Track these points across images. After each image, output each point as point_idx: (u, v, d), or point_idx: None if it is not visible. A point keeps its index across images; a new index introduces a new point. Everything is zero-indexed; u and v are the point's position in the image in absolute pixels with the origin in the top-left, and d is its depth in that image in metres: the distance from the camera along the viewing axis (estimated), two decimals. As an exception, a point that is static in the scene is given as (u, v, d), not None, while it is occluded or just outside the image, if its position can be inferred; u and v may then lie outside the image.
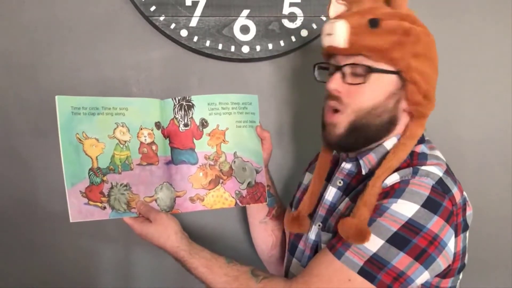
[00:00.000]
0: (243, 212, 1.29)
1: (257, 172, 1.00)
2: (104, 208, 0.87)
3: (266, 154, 1.03)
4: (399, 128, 0.88)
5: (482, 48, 1.30)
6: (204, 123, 0.96)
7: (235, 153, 0.98)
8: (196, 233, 1.24)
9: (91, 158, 0.86)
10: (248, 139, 1.00)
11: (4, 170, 1.23)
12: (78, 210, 0.85)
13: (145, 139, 0.92)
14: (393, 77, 0.83)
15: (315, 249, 0.94)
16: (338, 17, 0.85)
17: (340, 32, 0.82)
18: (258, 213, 1.10)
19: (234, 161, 0.98)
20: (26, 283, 1.26)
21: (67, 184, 0.83)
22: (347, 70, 0.84)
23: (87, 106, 0.87)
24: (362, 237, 0.76)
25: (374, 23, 0.81)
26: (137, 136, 0.92)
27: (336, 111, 0.86)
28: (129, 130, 0.91)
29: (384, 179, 0.81)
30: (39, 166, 1.23)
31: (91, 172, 0.86)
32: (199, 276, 0.88)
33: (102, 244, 1.28)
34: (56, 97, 0.84)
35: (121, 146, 0.90)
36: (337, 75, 0.85)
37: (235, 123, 0.98)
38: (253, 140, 1.01)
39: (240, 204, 0.99)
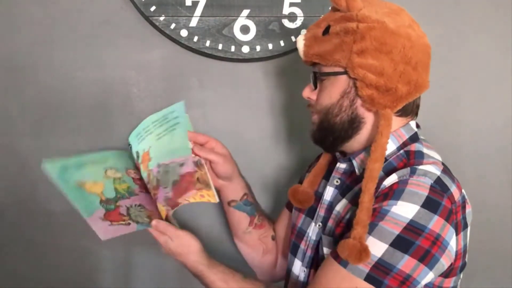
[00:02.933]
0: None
1: (182, 165, 0.95)
2: (129, 224, 0.88)
3: (214, 156, 0.98)
4: (369, 126, 0.89)
5: (482, 47, 1.30)
6: (137, 155, 0.97)
7: (158, 164, 0.95)
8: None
9: (97, 194, 0.88)
10: (169, 143, 0.97)
11: (4, 170, 1.23)
12: (105, 231, 0.86)
13: (135, 175, 0.95)
14: (343, 77, 0.87)
15: (316, 249, 0.94)
16: (307, 29, 0.94)
17: (299, 45, 0.93)
18: (239, 224, 1.09)
19: (159, 171, 0.95)
20: (26, 283, 1.26)
21: (84, 214, 0.85)
22: (312, 78, 0.92)
23: (72, 165, 0.89)
24: (363, 257, 0.76)
25: (325, 31, 0.88)
26: (127, 174, 0.94)
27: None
28: (117, 170, 0.92)
29: (374, 191, 0.81)
30: (39, 166, 1.23)
31: (102, 203, 0.88)
32: None
33: (102, 244, 1.27)
34: (44, 162, 0.88)
35: (119, 180, 0.91)
36: (309, 84, 0.93)
37: (155, 138, 0.97)
38: (174, 140, 0.97)
39: (170, 209, 0.94)
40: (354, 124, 0.88)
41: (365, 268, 0.77)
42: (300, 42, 0.92)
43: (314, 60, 0.90)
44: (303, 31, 0.94)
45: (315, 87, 0.91)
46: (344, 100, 0.87)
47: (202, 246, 0.92)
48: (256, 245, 1.11)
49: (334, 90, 0.88)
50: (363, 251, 0.76)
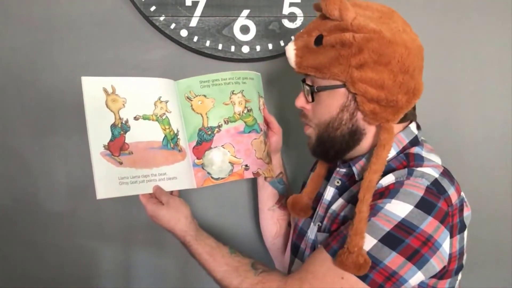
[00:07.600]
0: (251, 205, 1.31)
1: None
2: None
3: (277, 125, 1.08)
4: (369, 136, 0.88)
5: (482, 47, 1.30)
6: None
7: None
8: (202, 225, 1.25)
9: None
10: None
11: (4, 170, 1.23)
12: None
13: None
14: (342, 90, 0.85)
15: (314, 248, 0.94)
16: (296, 37, 0.91)
17: (289, 55, 0.89)
18: (268, 199, 1.12)
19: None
20: (26, 283, 1.26)
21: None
22: (306, 88, 0.90)
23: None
24: (362, 270, 0.76)
25: (317, 41, 0.85)
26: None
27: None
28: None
29: (370, 200, 0.80)
30: (39, 166, 1.24)
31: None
32: (202, 263, 0.91)
33: (102, 244, 1.28)
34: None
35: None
36: (302, 93, 0.91)
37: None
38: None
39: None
40: (355, 136, 0.87)
41: None
42: (291, 52, 0.88)
43: (309, 72, 0.87)
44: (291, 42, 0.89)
45: (312, 100, 0.88)
46: (344, 113, 0.86)
47: (191, 214, 0.94)
48: (272, 225, 1.13)
49: (333, 104, 0.86)
50: (363, 265, 0.76)
